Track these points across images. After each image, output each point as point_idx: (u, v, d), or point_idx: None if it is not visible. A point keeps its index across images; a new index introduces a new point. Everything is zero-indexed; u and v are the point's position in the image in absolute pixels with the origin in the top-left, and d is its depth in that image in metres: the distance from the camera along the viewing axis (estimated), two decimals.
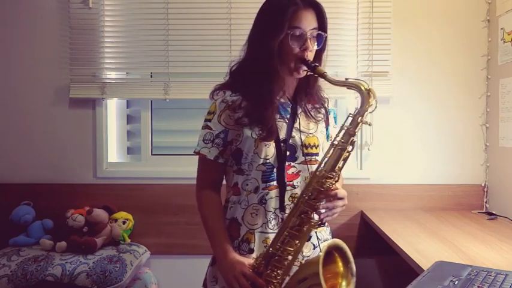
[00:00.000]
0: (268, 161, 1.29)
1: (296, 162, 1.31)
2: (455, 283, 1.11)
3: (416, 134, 2.33)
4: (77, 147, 2.35)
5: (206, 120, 1.35)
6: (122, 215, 2.26)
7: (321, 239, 1.38)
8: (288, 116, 1.33)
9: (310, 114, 1.36)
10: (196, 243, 2.27)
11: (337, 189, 1.24)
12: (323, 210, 1.24)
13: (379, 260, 2.34)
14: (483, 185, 2.31)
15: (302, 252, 1.29)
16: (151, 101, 2.42)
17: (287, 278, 1.23)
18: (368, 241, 2.27)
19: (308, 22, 1.27)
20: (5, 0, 2.33)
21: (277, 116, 1.31)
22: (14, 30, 2.34)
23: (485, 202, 2.29)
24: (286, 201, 1.29)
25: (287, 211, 1.28)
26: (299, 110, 1.35)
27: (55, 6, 2.33)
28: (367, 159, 2.33)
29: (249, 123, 1.29)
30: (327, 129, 1.42)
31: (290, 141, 1.31)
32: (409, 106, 2.32)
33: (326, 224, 1.37)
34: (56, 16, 2.33)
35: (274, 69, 1.26)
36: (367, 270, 2.34)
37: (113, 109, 2.44)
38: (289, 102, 1.36)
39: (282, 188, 1.29)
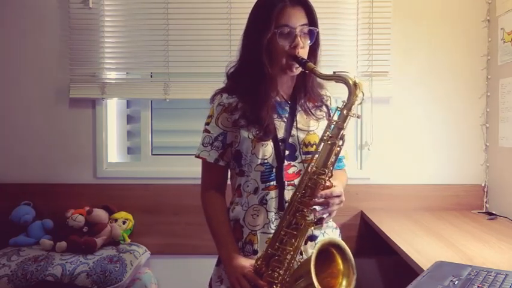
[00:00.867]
0: (266, 161, 1.29)
1: (296, 161, 1.31)
2: (455, 283, 1.11)
3: (416, 134, 2.33)
4: (77, 147, 2.35)
5: (205, 124, 1.37)
6: (122, 215, 2.26)
7: None
8: (286, 115, 1.33)
9: (311, 111, 1.35)
10: (196, 243, 2.28)
11: (332, 186, 1.22)
12: (319, 208, 1.23)
13: (379, 260, 2.34)
14: (483, 185, 2.31)
15: (307, 252, 1.29)
16: (151, 101, 2.42)
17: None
18: (368, 241, 2.27)
19: (297, 19, 1.27)
20: (5, 0, 2.33)
21: (275, 115, 1.31)
22: (14, 30, 2.34)
23: (485, 202, 2.29)
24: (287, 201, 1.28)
25: None
26: (298, 109, 1.35)
27: (55, 6, 2.33)
28: (367, 159, 2.33)
29: (246, 124, 1.29)
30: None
31: (289, 140, 1.31)
32: (409, 106, 2.32)
33: (326, 222, 1.34)
34: (56, 16, 2.33)
35: (266, 69, 1.27)
36: (367, 270, 2.34)
37: (113, 109, 2.44)
38: (287, 101, 1.35)
39: (281, 187, 1.28)
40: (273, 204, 1.29)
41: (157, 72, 2.37)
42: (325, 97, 1.42)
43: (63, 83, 2.33)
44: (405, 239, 1.71)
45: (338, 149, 1.21)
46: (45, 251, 2.05)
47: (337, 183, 1.26)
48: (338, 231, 1.45)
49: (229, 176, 1.43)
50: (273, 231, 1.26)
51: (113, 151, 2.44)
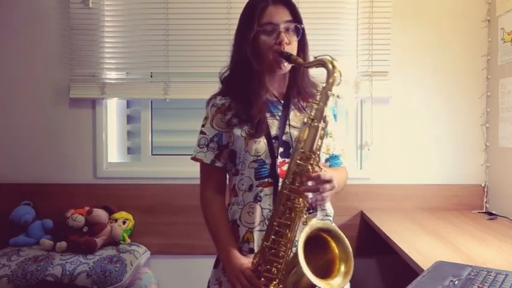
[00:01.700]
0: (259, 157, 1.29)
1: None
2: (455, 283, 1.11)
3: (416, 134, 2.33)
4: (77, 147, 2.35)
5: (201, 126, 1.39)
6: (122, 215, 2.26)
7: None
8: (280, 113, 1.34)
9: (304, 109, 1.36)
10: (196, 243, 2.28)
11: (321, 170, 1.21)
12: (310, 195, 1.21)
13: (379, 260, 2.34)
14: (483, 185, 2.31)
15: None
16: (151, 101, 2.42)
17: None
18: (368, 241, 2.27)
19: (280, 16, 1.29)
20: (5, 0, 2.33)
21: (268, 114, 1.33)
22: (14, 30, 2.34)
23: (485, 202, 2.29)
24: None
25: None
26: (291, 107, 1.36)
27: (55, 6, 2.33)
28: (367, 159, 2.33)
29: (239, 123, 1.31)
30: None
31: (283, 137, 1.31)
32: (409, 106, 2.32)
33: (321, 208, 1.32)
34: (56, 16, 2.33)
35: (254, 67, 1.29)
36: (367, 270, 2.34)
37: (113, 109, 2.44)
38: (279, 100, 1.36)
39: (275, 184, 1.28)
40: (267, 201, 1.29)
41: (157, 72, 2.37)
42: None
43: (63, 83, 2.33)
44: (405, 239, 1.71)
45: (322, 132, 1.20)
46: (45, 251, 2.05)
47: (329, 170, 1.26)
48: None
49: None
50: None
51: (113, 151, 2.44)
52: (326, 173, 1.21)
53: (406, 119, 2.33)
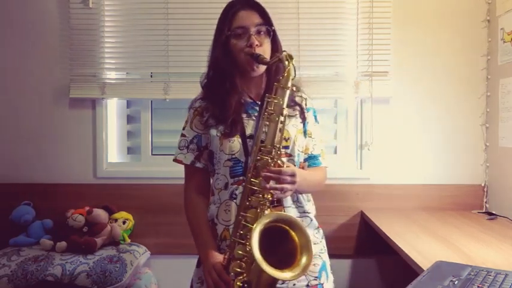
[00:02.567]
0: (234, 156, 1.33)
1: None
2: (455, 283, 1.11)
3: (416, 134, 2.33)
4: (77, 147, 2.35)
5: (182, 129, 1.44)
6: (122, 215, 2.26)
7: None
8: (256, 114, 1.37)
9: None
10: None
11: (283, 165, 1.25)
12: (272, 185, 1.23)
13: (379, 260, 2.34)
14: (483, 185, 2.31)
15: None
16: (151, 101, 2.42)
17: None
18: (368, 241, 2.27)
19: (250, 20, 1.34)
20: (6, 0, 2.33)
21: (244, 115, 1.37)
22: (14, 30, 2.34)
23: (485, 202, 2.29)
24: None
25: None
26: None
27: (55, 6, 2.33)
28: (367, 159, 2.33)
29: (215, 124, 1.36)
30: (304, 125, 1.43)
31: None
32: (409, 106, 2.32)
33: (281, 198, 1.32)
34: (56, 16, 2.33)
35: (226, 71, 1.35)
36: (367, 270, 2.34)
37: (113, 109, 2.44)
38: (255, 102, 1.40)
39: None
40: None
41: (157, 72, 2.37)
42: (298, 98, 1.46)
43: (63, 83, 2.33)
44: (405, 239, 1.71)
45: (281, 125, 1.24)
46: (45, 251, 2.06)
47: (292, 166, 1.29)
48: (321, 231, 1.46)
49: None
50: None
51: (113, 151, 2.44)
52: (288, 168, 1.25)
53: (406, 119, 2.33)
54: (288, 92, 1.25)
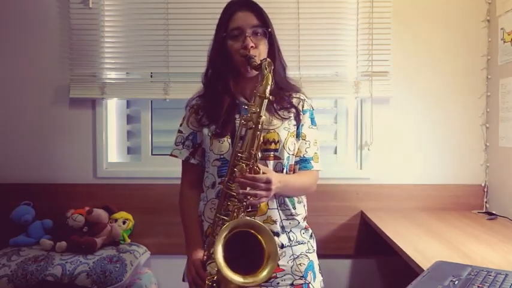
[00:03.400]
0: (222, 156, 1.35)
1: None
2: (455, 283, 1.11)
3: (416, 134, 2.33)
4: (77, 147, 2.35)
5: (179, 125, 1.48)
6: (122, 215, 2.26)
7: (293, 239, 1.38)
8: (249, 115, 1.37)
9: (275, 111, 1.40)
10: None
11: (259, 172, 1.25)
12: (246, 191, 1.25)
13: (379, 260, 2.34)
14: (483, 185, 2.31)
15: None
16: (151, 101, 2.42)
17: None
18: (368, 241, 2.27)
19: (246, 21, 1.34)
20: (5, 0, 2.33)
21: (237, 115, 1.37)
22: (14, 30, 2.34)
23: (485, 202, 2.29)
24: None
25: None
26: None
27: (55, 6, 2.33)
28: (367, 159, 2.33)
29: (208, 123, 1.39)
30: (297, 128, 1.43)
31: None
32: (409, 106, 2.32)
33: (255, 204, 1.32)
34: (56, 16, 2.33)
35: (222, 71, 1.37)
36: (367, 270, 2.34)
37: (113, 109, 2.44)
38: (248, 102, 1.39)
39: None
40: None
41: (157, 72, 2.37)
42: (295, 99, 1.46)
43: (63, 83, 2.33)
44: (405, 239, 1.71)
45: (258, 132, 1.25)
46: (45, 251, 2.05)
47: (269, 172, 1.28)
48: (310, 231, 1.46)
49: None
50: None
51: (113, 151, 2.44)
52: (264, 175, 1.24)
53: (406, 119, 2.33)
54: (265, 101, 1.25)
